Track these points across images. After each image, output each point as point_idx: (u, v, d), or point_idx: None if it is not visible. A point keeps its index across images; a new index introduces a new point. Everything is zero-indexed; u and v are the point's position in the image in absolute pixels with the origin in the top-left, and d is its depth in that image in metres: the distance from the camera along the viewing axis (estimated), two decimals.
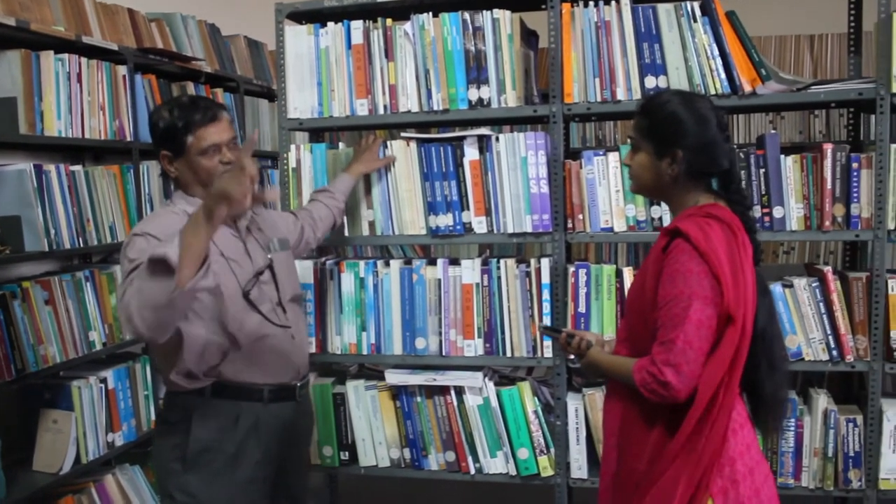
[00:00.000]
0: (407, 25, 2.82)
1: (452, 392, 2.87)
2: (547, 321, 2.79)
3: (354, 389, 2.95)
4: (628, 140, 2.06)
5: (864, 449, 2.70)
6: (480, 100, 2.80)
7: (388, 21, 2.85)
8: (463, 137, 2.81)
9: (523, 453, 2.85)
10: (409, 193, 2.87)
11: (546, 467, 2.86)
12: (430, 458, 2.93)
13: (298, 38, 2.93)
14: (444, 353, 2.89)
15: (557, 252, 2.80)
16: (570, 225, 2.80)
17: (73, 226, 3.08)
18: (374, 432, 2.96)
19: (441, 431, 2.90)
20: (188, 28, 4.19)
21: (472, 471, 2.90)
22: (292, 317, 2.36)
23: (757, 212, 2.64)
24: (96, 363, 3.27)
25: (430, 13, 2.81)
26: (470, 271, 2.85)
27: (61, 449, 2.98)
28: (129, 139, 3.42)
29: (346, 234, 2.95)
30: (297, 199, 2.95)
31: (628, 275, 2.76)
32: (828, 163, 2.63)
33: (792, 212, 2.66)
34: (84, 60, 3.19)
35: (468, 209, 2.83)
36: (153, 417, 3.44)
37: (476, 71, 2.79)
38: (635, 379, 1.88)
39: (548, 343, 2.81)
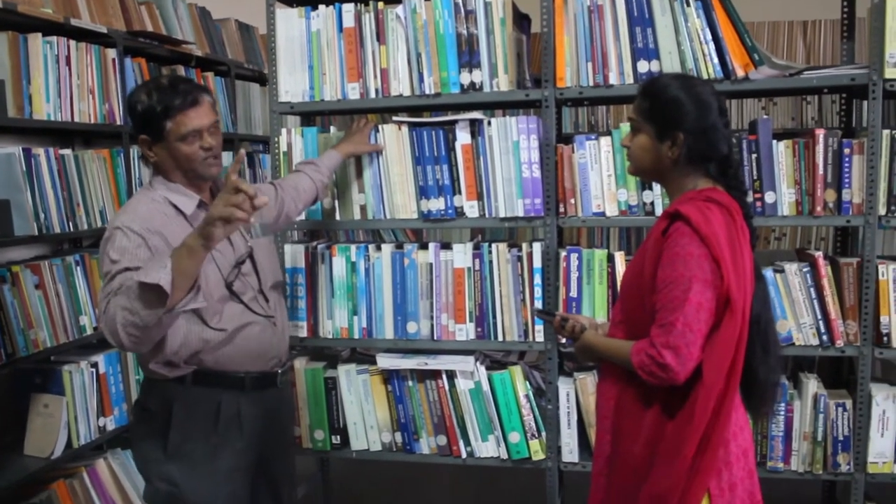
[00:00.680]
0: (399, 9, 2.81)
1: (444, 376, 2.87)
2: (539, 305, 2.80)
3: (346, 374, 2.95)
4: (628, 122, 2.05)
5: (854, 433, 2.71)
6: (472, 84, 2.79)
7: (380, 4, 2.83)
8: (455, 121, 2.80)
9: (514, 437, 2.86)
10: (401, 177, 2.86)
11: (537, 451, 2.87)
12: (422, 442, 2.94)
13: (289, 21, 2.91)
14: (435, 338, 2.89)
15: (549, 236, 2.80)
16: (561, 209, 2.80)
17: (63, 210, 3.06)
18: (366, 416, 2.96)
19: (433, 415, 2.91)
20: (178, 11, 4.16)
21: (464, 454, 2.91)
22: (274, 304, 2.33)
23: (749, 197, 2.63)
24: (87, 348, 3.26)
25: None
26: (462, 255, 2.84)
27: (52, 433, 2.97)
28: (118, 123, 3.40)
29: (338, 218, 2.94)
30: None
31: (620, 259, 2.76)
32: (820, 148, 2.63)
33: (783, 197, 2.67)
34: (73, 43, 3.16)
35: (460, 193, 2.82)
36: None
37: (468, 55, 2.78)
38: (633, 361, 1.88)
39: (539, 327, 2.81)
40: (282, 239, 3.01)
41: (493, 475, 3.80)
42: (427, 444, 2.94)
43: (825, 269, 2.66)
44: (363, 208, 2.91)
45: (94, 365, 3.17)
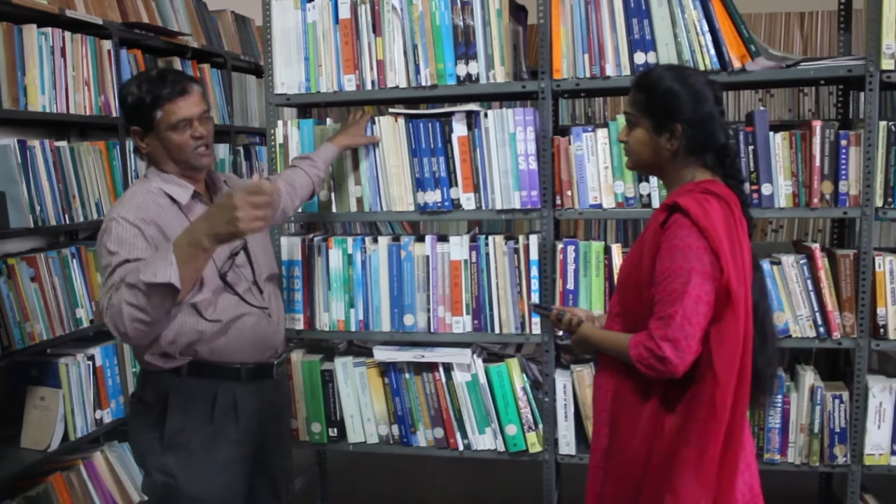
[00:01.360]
0: (395, 0, 2.80)
1: (441, 369, 2.87)
2: (535, 298, 2.79)
3: (343, 366, 2.95)
4: (624, 115, 2.04)
5: (850, 425, 2.72)
6: (469, 75, 2.78)
7: None
8: (451, 113, 2.79)
9: (511, 429, 2.86)
10: (398, 169, 2.85)
11: (534, 443, 2.87)
12: (419, 435, 2.94)
13: (286, 12, 2.90)
14: (432, 330, 2.89)
15: (546, 228, 2.80)
16: (558, 201, 2.79)
17: (59, 202, 3.05)
18: (363, 409, 2.96)
19: (429, 408, 2.91)
20: (174, 3, 4.14)
21: (461, 447, 2.91)
22: (269, 296, 2.32)
23: (746, 187, 2.63)
24: (83, 340, 3.26)
25: None
26: (458, 248, 2.84)
27: (49, 426, 2.97)
28: (114, 115, 3.39)
29: (334, 210, 2.94)
30: None
31: (617, 251, 2.76)
32: (816, 140, 2.63)
33: (780, 189, 2.66)
34: (68, 34, 3.15)
35: (456, 185, 2.82)
36: None
37: (464, 46, 2.77)
38: (631, 354, 1.87)
39: (536, 320, 2.81)
40: (278, 231, 3.00)
41: (490, 468, 3.80)
42: (424, 437, 2.94)
43: (822, 261, 2.66)
44: (360, 200, 2.90)
45: (91, 358, 3.17)
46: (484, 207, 2.82)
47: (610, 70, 2.71)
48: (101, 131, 3.57)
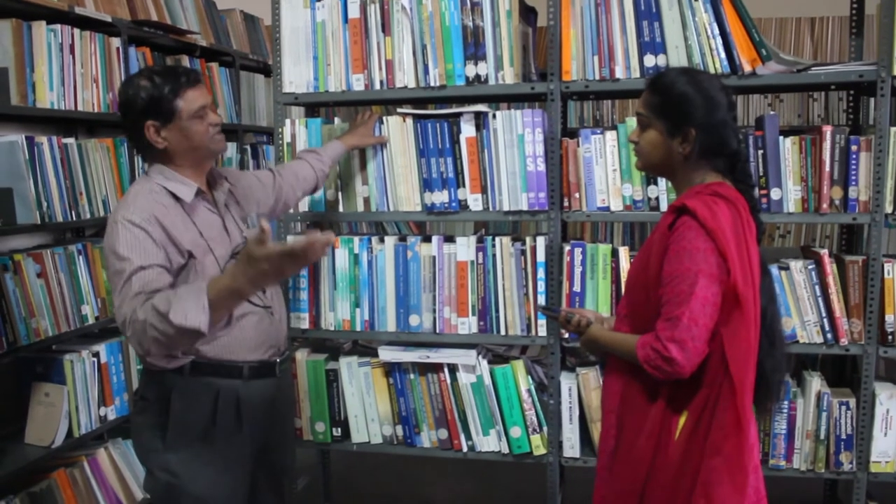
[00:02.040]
0: (404, 0, 2.79)
1: (446, 370, 2.86)
2: (542, 300, 2.78)
3: (347, 366, 2.94)
4: (636, 116, 2.03)
5: (856, 432, 2.70)
6: (478, 76, 2.77)
7: None
8: (460, 114, 2.79)
9: (516, 432, 2.86)
10: (405, 170, 2.85)
11: (538, 446, 2.86)
12: (423, 436, 2.93)
13: (295, 11, 2.90)
14: (437, 331, 2.88)
15: (553, 230, 2.79)
16: (566, 203, 2.79)
17: (66, 199, 3.05)
18: (367, 409, 2.96)
19: (434, 409, 2.90)
20: (183, 1, 4.14)
21: (465, 448, 2.91)
22: (270, 294, 2.30)
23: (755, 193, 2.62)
24: (89, 337, 3.26)
25: None
26: (465, 249, 2.83)
27: (53, 422, 2.97)
28: None
29: (341, 209, 2.93)
30: None
31: (624, 254, 2.75)
32: (827, 145, 2.61)
33: (789, 194, 2.65)
34: (77, 32, 3.15)
35: (464, 186, 2.81)
36: None
37: (474, 47, 2.76)
38: (639, 355, 1.87)
39: (542, 322, 2.80)
40: (284, 230, 3.00)
41: (494, 469, 3.79)
42: (428, 438, 2.93)
43: (831, 267, 2.64)
44: (367, 200, 2.90)
45: (96, 354, 3.17)
46: (491, 209, 2.82)
47: (619, 72, 2.70)
48: (109, 128, 3.56)
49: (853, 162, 2.61)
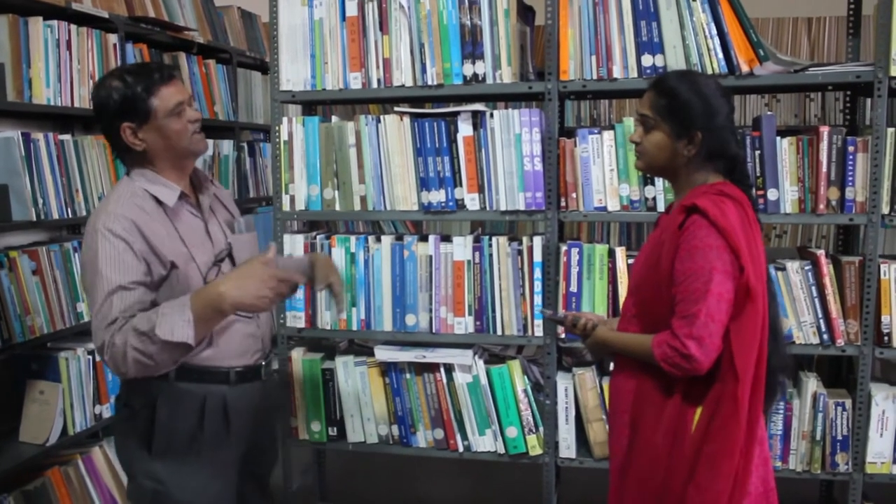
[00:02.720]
0: None
1: (442, 369, 2.86)
2: (539, 301, 2.78)
3: (343, 365, 2.94)
4: (640, 117, 2.02)
5: (852, 433, 2.70)
6: (475, 75, 2.77)
7: None
8: (457, 113, 2.78)
9: (512, 432, 2.85)
10: (402, 169, 2.84)
11: (535, 446, 2.86)
12: (419, 436, 2.93)
13: (292, 9, 2.89)
14: (434, 331, 2.88)
15: (550, 230, 2.79)
16: (563, 203, 2.78)
17: (62, 195, 3.04)
18: (363, 408, 2.95)
19: (430, 409, 2.90)
20: None
21: (461, 448, 2.90)
22: None
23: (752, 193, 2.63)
24: (84, 334, 3.23)
25: None
26: (462, 248, 2.83)
27: (48, 420, 2.96)
28: None
29: (338, 208, 2.93)
30: (289, 172, 2.92)
31: (621, 255, 2.74)
32: (824, 146, 2.61)
33: (786, 194, 2.65)
34: (74, 28, 3.14)
35: (461, 186, 2.81)
36: None
37: (471, 46, 2.76)
38: (655, 354, 1.89)
39: (538, 322, 2.80)
40: (281, 229, 2.99)
41: (490, 470, 3.79)
42: (424, 438, 2.93)
43: (827, 268, 2.64)
44: (363, 199, 2.89)
45: (91, 352, 3.15)
46: (488, 208, 2.81)
47: (617, 72, 2.70)
48: None
49: (850, 163, 2.61)
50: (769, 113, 4.70)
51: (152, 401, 2.07)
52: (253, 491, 2.32)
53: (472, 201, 2.81)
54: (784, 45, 4.94)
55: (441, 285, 2.85)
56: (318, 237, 2.95)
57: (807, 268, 2.66)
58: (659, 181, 2.69)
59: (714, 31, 2.62)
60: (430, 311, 2.87)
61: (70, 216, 3.09)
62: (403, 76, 2.83)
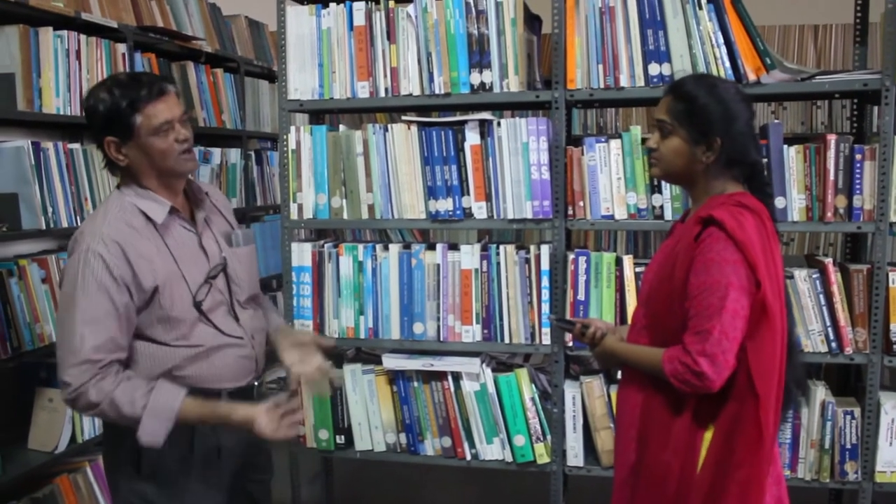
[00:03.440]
0: (409, 7, 2.80)
1: (449, 378, 2.86)
2: (546, 309, 2.78)
3: (351, 373, 2.94)
4: (657, 123, 1.97)
5: (861, 441, 2.69)
6: (482, 84, 2.78)
7: (391, 3, 2.83)
8: (464, 122, 2.79)
9: (520, 440, 2.85)
10: (409, 177, 2.85)
11: (542, 454, 2.86)
12: (427, 444, 2.93)
13: (300, 18, 2.91)
14: (441, 339, 2.88)
15: (557, 239, 2.79)
16: (570, 212, 2.79)
17: (71, 204, 3.06)
18: (371, 416, 2.95)
19: (437, 417, 2.90)
20: (189, 7, 4.16)
21: (468, 457, 2.90)
22: (246, 320, 2.16)
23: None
24: None
25: None
26: (469, 257, 2.83)
27: (57, 428, 2.97)
28: None
29: (345, 217, 2.93)
30: (297, 181, 2.93)
31: (628, 263, 2.74)
32: (831, 154, 2.61)
33: (794, 202, 2.65)
34: (83, 37, 3.16)
35: (468, 194, 2.81)
36: None
37: (478, 55, 2.77)
38: (666, 369, 1.84)
39: (546, 330, 2.80)
40: (288, 237, 3.00)
41: (497, 478, 3.78)
42: (431, 446, 2.93)
43: (835, 276, 2.64)
44: (371, 208, 2.90)
45: None
46: (495, 216, 2.82)
47: (624, 81, 2.70)
48: None
49: (857, 170, 2.61)
50: (776, 121, 4.70)
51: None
52: (250, 501, 2.29)
53: (479, 210, 2.82)
54: (791, 53, 4.94)
55: (448, 294, 2.86)
56: (325, 245, 2.96)
57: (815, 276, 2.66)
58: (666, 189, 2.69)
59: (721, 40, 2.62)
60: (438, 319, 2.87)
61: (79, 224, 3.08)
62: (411, 85, 2.84)
